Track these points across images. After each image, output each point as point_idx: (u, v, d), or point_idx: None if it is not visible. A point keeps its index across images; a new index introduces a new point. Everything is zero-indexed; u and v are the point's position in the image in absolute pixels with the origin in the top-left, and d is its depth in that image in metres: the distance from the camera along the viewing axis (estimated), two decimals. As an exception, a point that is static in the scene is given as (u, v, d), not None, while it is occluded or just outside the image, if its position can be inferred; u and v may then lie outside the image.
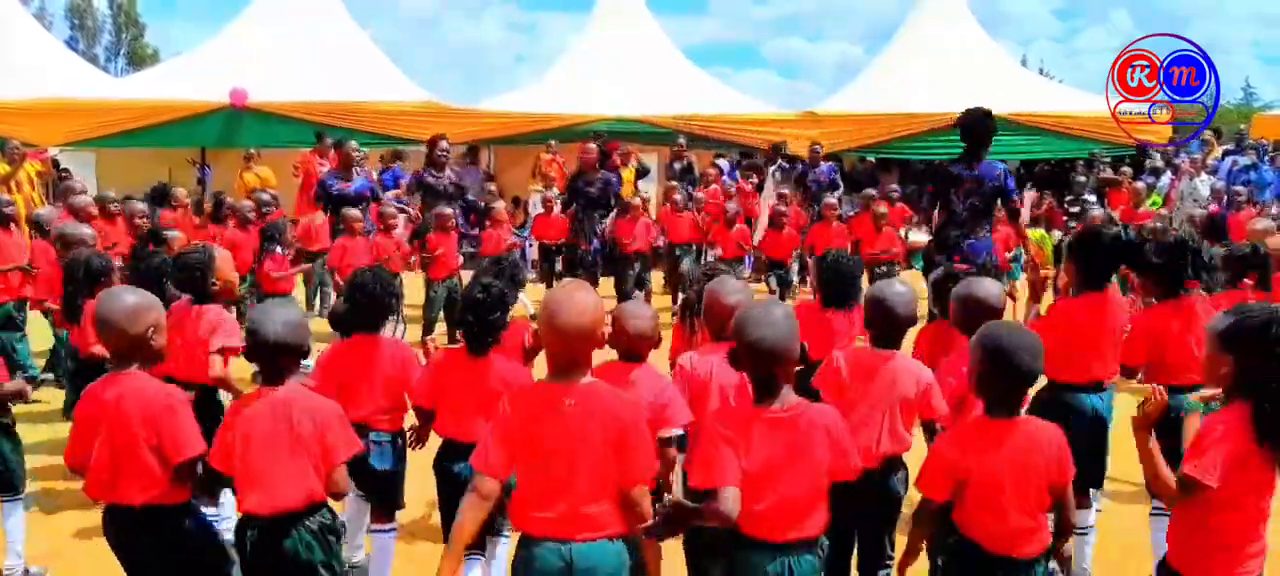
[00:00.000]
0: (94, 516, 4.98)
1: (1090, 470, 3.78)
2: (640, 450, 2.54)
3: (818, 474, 2.57)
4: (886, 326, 3.43)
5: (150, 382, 3.07)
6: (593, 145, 10.04)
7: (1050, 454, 2.66)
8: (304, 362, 3.16)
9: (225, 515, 4.18)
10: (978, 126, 6.58)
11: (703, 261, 10.07)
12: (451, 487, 3.53)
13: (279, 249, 8.04)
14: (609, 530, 2.52)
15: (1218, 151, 13.64)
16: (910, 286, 3.67)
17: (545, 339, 2.60)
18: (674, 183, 12.25)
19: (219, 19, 29.46)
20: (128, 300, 3.10)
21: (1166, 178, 13.28)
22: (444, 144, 9.52)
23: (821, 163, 12.49)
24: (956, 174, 6.57)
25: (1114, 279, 4.32)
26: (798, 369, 2.69)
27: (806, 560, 2.58)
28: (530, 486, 2.56)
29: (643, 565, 2.63)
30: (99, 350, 4.72)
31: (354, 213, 8.42)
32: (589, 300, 2.57)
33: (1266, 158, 13.24)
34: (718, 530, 2.61)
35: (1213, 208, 10.91)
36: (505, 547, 3.74)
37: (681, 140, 13.99)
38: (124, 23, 56.53)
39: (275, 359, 2.98)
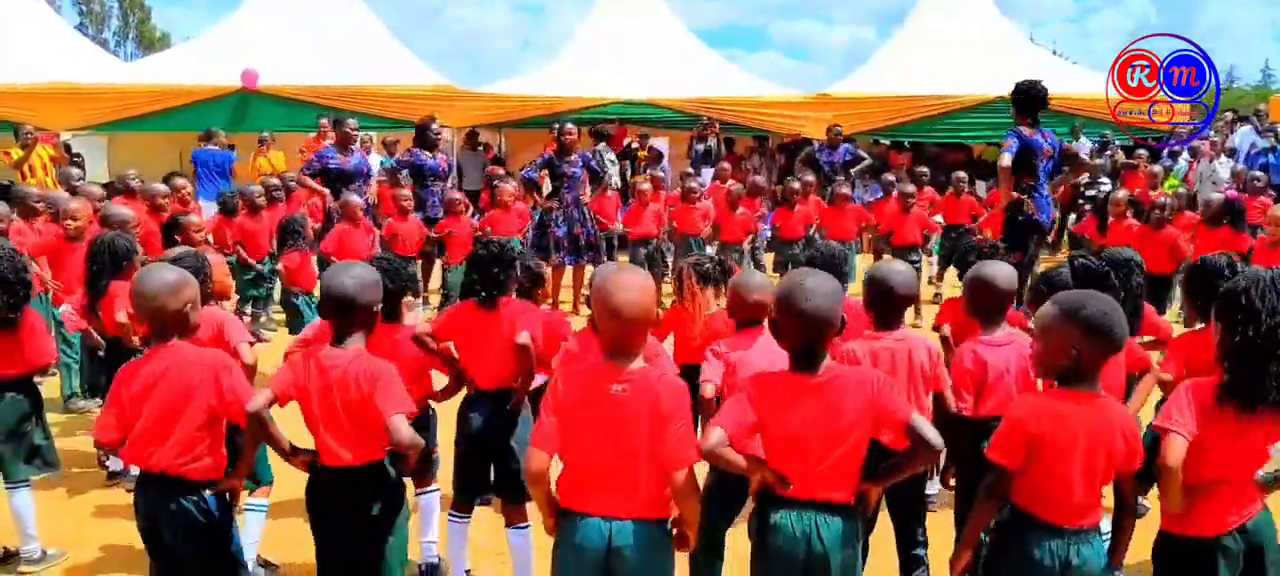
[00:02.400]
0: (108, 499, 5.03)
1: None
2: (679, 435, 2.53)
3: (848, 439, 2.56)
4: (888, 305, 3.46)
5: (195, 350, 3.14)
6: (571, 126, 10.01)
7: (1127, 435, 2.65)
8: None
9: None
10: (1031, 93, 7.14)
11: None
12: (462, 430, 3.91)
13: (302, 243, 7.77)
14: (650, 513, 2.57)
15: (1238, 135, 13.47)
16: (909, 267, 3.71)
17: (598, 321, 2.61)
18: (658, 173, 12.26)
19: (222, 2, 29.37)
20: (168, 276, 3.16)
21: (1184, 160, 13.14)
22: (436, 126, 9.53)
23: (841, 144, 12.44)
24: (1037, 144, 7.12)
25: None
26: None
27: (833, 522, 2.59)
28: (576, 466, 2.61)
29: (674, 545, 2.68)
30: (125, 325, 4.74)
31: (355, 199, 8.36)
32: (638, 282, 2.58)
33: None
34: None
35: (1229, 191, 10.80)
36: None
37: (707, 120, 13.94)
38: (130, 6, 56.63)
39: (342, 314, 3.03)
